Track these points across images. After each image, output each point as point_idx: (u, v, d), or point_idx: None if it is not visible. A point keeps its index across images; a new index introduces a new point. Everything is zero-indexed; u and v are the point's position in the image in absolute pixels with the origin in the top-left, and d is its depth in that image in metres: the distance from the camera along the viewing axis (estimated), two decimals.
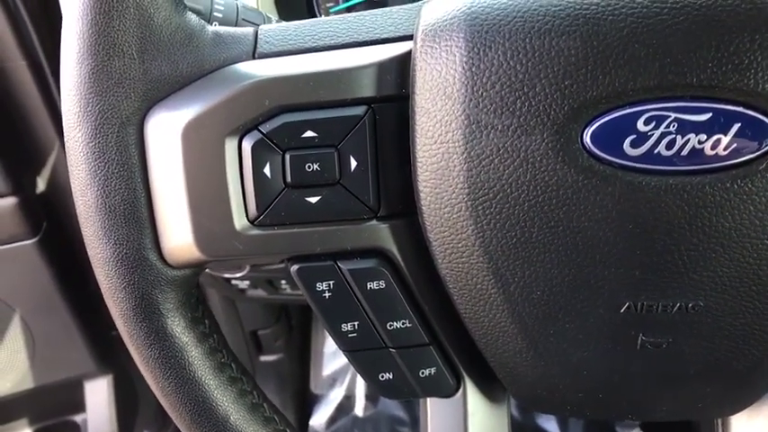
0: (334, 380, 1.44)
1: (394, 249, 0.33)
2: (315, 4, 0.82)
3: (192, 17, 0.32)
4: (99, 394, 1.10)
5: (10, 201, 0.92)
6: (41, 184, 0.99)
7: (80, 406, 1.12)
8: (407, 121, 0.31)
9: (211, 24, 0.43)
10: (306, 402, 1.43)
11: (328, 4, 0.83)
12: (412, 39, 0.32)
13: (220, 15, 0.43)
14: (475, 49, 0.29)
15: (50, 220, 0.98)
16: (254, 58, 0.32)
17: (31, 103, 0.94)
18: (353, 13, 0.35)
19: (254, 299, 1.08)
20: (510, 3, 0.29)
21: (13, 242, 0.95)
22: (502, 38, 0.29)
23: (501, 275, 0.31)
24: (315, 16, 0.82)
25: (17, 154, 0.94)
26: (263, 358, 1.35)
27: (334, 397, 1.41)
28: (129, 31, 0.30)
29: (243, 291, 1.05)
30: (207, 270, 0.87)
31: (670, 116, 0.28)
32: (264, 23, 0.45)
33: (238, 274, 0.91)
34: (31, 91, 0.92)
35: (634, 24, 0.28)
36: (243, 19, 0.44)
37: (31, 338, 1.03)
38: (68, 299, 1.00)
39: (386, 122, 0.32)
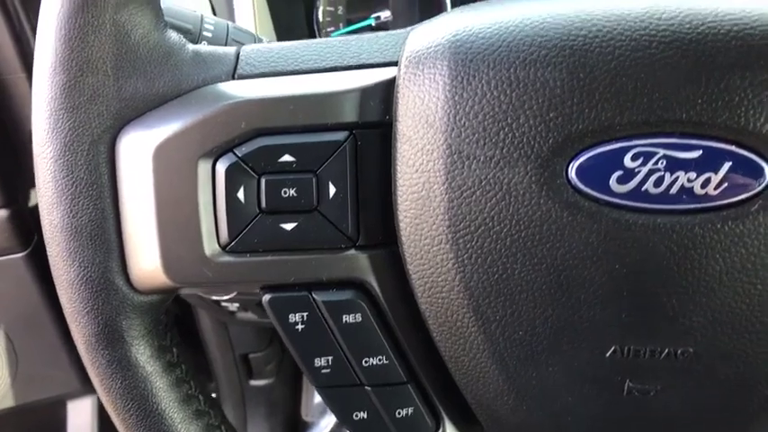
0: (325, 407, 1.41)
1: (372, 281, 0.32)
2: (316, 28, 0.82)
3: (173, 35, 0.32)
4: (82, 414, 1.08)
5: (1, 213, 0.91)
6: (34, 197, 0.99)
7: (62, 426, 1.10)
8: (390, 149, 0.30)
9: (201, 43, 0.42)
10: (296, 430, 1.40)
11: (329, 29, 0.83)
12: (398, 65, 0.31)
13: (209, 35, 0.42)
14: (458, 78, 0.28)
15: (41, 234, 0.97)
16: (233, 78, 0.32)
17: (28, 114, 0.93)
18: (340, 38, 0.34)
19: (245, 321, 1.06)
20: (495, 32, 0.29)
21: (3, 255, 0.94)
22: (486, 67, 0.28)
23: (482, 313, 0.30)
24: None
25: (11, 165, 0.94)
26: (254, 383, 1.32)
27: (325, 425, 1.38)
28: (105, 47, 0.29)
29: (233, 313, 1.03)
30: (195, 293, 0.86)
31: (658, 153, 0.27)
32: (255, 44, 0.45)
33: (226, 297, 0.89)
34: (30, 103, 0.92)
35: (622, 57, 0.27)
36: (233, 39, 0.43)
37: (14, 355, 1.01)
38: (55, 315, 0.98)
39: (367, 149, 0.31)
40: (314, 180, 0.30)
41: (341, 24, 0.83)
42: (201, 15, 0.43)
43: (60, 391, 1.04)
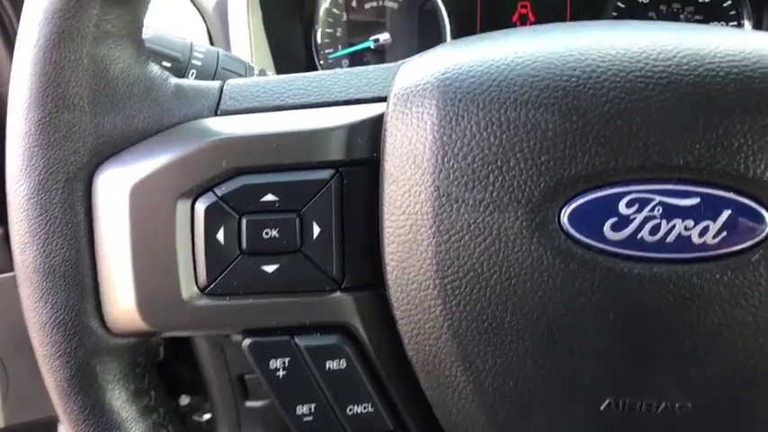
0: None
1: (358, 325, 0.31)
2: (314, 50, 0.82)
3: (154, 68, 0.31)
4: None
5: None
6: None
7: None
8: (377, 187, 0.29)
9: (189, 73, 0.42)
10: None
11: (327, 51, 0.83)
12: (386, 100, 0.30)
13: (199, 63, 0.42)
14: (447, 118, 0.27)
15: None
16: (216, 114, 0.31)
17: None
18: (328, 71, 0.33)
19: (240, 342, 1.05)
20: (485, 71, 0.28)
21: None
22: (476, 107, 0.27)
23: (471, 362, 0.28)
24: (313, 63, 0.81)
25: (4, 183, 0.93)
26: (249, 404, 1.30)
27: None
28: (82, 82, 0.28)
29: (228, 334, 1.02)
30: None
31: (654, 199, 0.26)
32: (246, 73, 0.44)
33: None
34: None
35: (617, 99, 0.26)
36: (223, 68, 0.42)
37: (5, 375, 0.99)
38: None
39: (354, 188, 0.30)
40: (297, 220, 0.29)
41: (339, 47, 0.83)
42: (191, 43, 0.42)
43: (51, 412, 1.03)
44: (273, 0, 0.67)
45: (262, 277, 0.30)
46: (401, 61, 0.33)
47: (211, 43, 0.64)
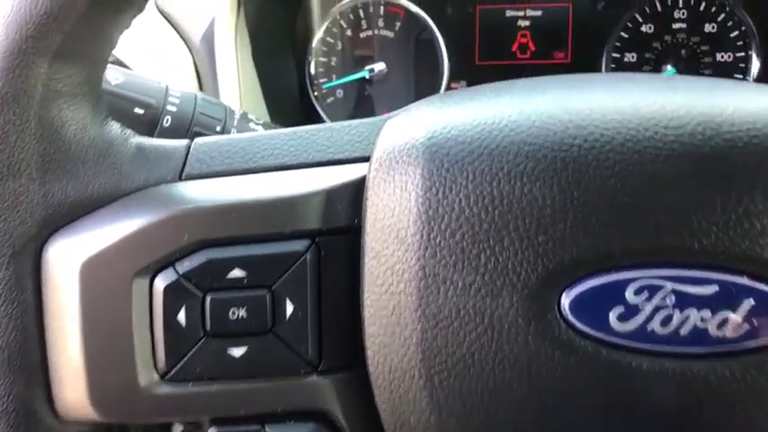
0: None
1: (336, 410, 0.28)
2: (307, 81, 0.79)
3: (113, 128, 0.28)
4: None
5: None
6: None
7: None
8: (358, 258, 0.26)
9: (164, 120, 0.39)
10: None
11: (321, 80, 0.81)
12: (369, 161, 0.27)
13: (174, 109, 0.39)
14: (433, 189, 0.25)
15: None
16: (180, 178, 0.28)
17: None
18: (307, 128, 0.30)
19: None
20: (477, 136, 0.25)
21: None
22: (465, 178, 0.24)
23: None
24: (306, 94, 0.79)
25: None
26: None
27: None
28: (29, 147, 0.26)
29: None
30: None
31: (666, 287, 0.23)
32: (227, 118, 0.41)
33: None
34: None
35: (623, 173, 0.23)
36: (201, 113, 0.40)
37: None
38: None
39: (332, 260, 0.27)
40: (268, 297, 0.26)
41: (334, 76, 0.80)
42: (166, 87, 0.40)
43: None
44: (263, 31, 0.64)
45: (228, 362, 0.27)
46: (387, 115, 0.30)
47: (198, 77, 0.61)
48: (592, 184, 0.23)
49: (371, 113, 0.81)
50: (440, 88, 0.79)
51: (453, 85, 0.80)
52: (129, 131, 0.29)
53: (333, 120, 0.80)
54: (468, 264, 0.24)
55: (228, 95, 0.60)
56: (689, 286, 0.23)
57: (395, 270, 0.25)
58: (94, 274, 0.26)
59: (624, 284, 0.23)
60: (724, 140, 0.23)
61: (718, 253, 0.23)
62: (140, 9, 0.27)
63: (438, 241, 0.24)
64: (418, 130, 0.26)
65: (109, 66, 0.39)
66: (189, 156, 0.28)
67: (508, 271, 0.24)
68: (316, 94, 0.80)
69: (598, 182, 0.23)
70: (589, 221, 0.23)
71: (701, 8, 0.75)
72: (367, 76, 0.79)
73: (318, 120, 0.80)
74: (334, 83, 0.80)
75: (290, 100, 0.76)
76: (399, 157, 0.26)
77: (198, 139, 0.29)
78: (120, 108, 0.38)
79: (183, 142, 0.29)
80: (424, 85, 0.79)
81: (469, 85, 0.81)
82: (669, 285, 0.23)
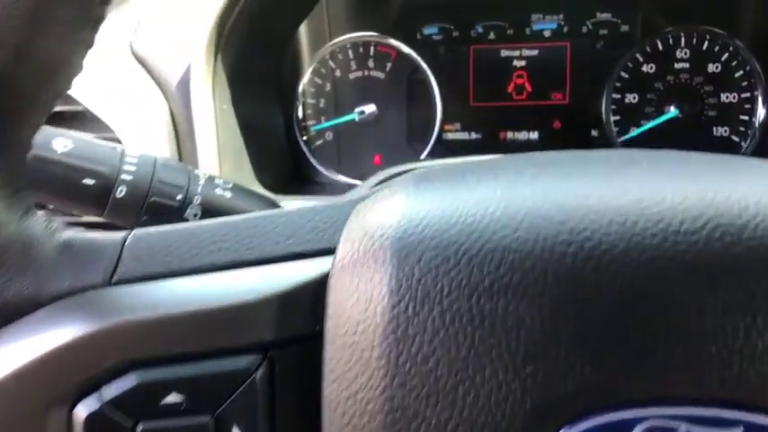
0: None
1: None
2: (295, 124, 0.76)
3: (37, 222, 0.24)
4: None
5: None
6: None
7: None
8: (318, 372, 0.22)
9: (117, 190, 0.35)
10: None
11: (310, 123, 0.77)
12: (333, 255, 0.23)
13: (130, 177, 0.35)
14: (402, 304, 0.21)
15: None
16: (110, 283, 0.24)
17: None
18: (266, 213, 0.27)
19: None
20: (454, 238, 0.21)
21: None
22: (439, 292, 0.20)
23: None
24: (294, 138, 0.75)
25: None
26: None
27: None
28: None
29: None
30: None
31: (680, 428, 0.19)
32: (189, 184, 0.37)
33: None
34: None
35: (627, 289, 0.19)
36: (160, 180, 0.36)
37: None
38: None
39: (287, 376, 0.23)
40: (211, 425, 0.23)
41: (323, 119, 0.77)
42: (122, 151, 0.36)
43: None
44: (243, 77, 0.61)
45: None
46: (357, 198, 0.27)
47: (174, 125, 0.58)
48: (589, 303, 0.19)
49: (362, 157, 0.77)
50: (433, 131, 0.76)
51: (447, 127, 0.77)
52: (55, 225, 0.25)
53: (322, 164, 0.76)
54: (444, 397, 0.20)
55: (205, 144, 0.57)
56: (707, 428, 0.19)
57: (357, 399, 0.21)
58: (3, 401, 0.22)
59: (631, 425, 0.19)
60: (747, 249, 0.20)
61: (741, 388, 0.19)
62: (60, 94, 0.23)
63: (408, 368, 0.20)
64: (388, 224, 0.22)
65: (58, 131, 0.35)
66: (123, 253, 0.25)
67: (490, 407, 0.20)
68: (305, 137, 0.77)
69: (597, 300, 0.19)
70: (586, 348, 0.19)
71: (704, 47, 0.72)
72: (357, 119, 0.76)
73: (306, 164, 0.77)
74: (324, 125, 0.77)
75: (275, 146, 0.73)
76: (364, 260, 0.22)
77: (136, 231, 0.26)
78: (69, 180, 0.34)
79: (118, 236, 0.25)
80: (416, 128, 0.76)
81: (464, 127, 0.77)
82: (684, 427, 0.19)
